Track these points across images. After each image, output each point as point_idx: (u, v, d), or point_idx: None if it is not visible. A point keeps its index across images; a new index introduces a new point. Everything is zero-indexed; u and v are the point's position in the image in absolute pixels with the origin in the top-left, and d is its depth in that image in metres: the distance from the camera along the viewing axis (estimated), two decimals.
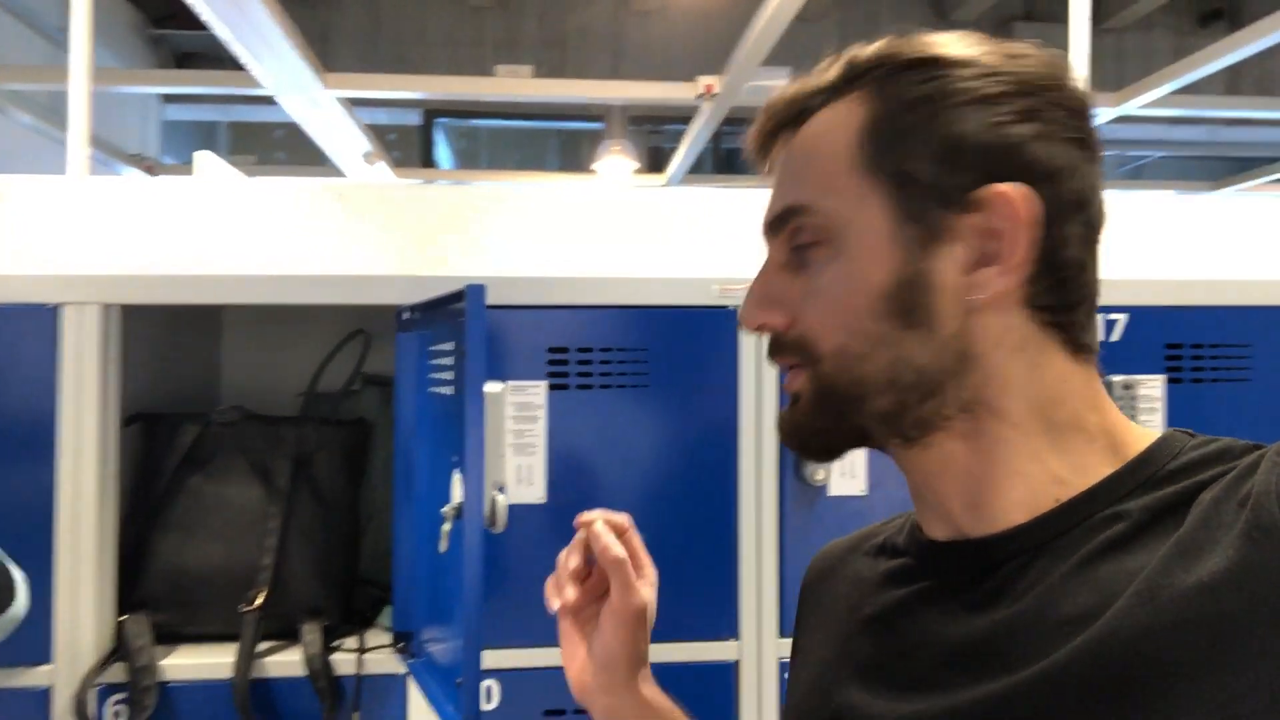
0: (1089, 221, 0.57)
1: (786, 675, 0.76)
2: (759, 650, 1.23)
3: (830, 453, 0.63)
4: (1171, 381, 1.26)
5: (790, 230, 0.59)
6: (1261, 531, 0.46)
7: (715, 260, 1.61)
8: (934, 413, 0.56)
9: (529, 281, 1.26)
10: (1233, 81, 6.28)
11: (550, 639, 1.20)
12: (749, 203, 1.63)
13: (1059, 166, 0.55)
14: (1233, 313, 1.27)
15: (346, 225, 1.72)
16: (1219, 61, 4.39)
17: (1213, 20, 6.51)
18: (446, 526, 1.05)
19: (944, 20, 6.08)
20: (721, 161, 6.97)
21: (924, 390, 0.56)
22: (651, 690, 0.77)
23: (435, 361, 1.17)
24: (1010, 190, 0.54)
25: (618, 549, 0.75)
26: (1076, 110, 0.57)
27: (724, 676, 1.23)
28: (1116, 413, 0.58)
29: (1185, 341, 1.27)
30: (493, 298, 1.24)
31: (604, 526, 0.76)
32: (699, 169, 5.80)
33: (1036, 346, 0.56)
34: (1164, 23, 6.52)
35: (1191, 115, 5.70)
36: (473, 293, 0.98)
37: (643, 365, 1.25)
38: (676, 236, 1.64)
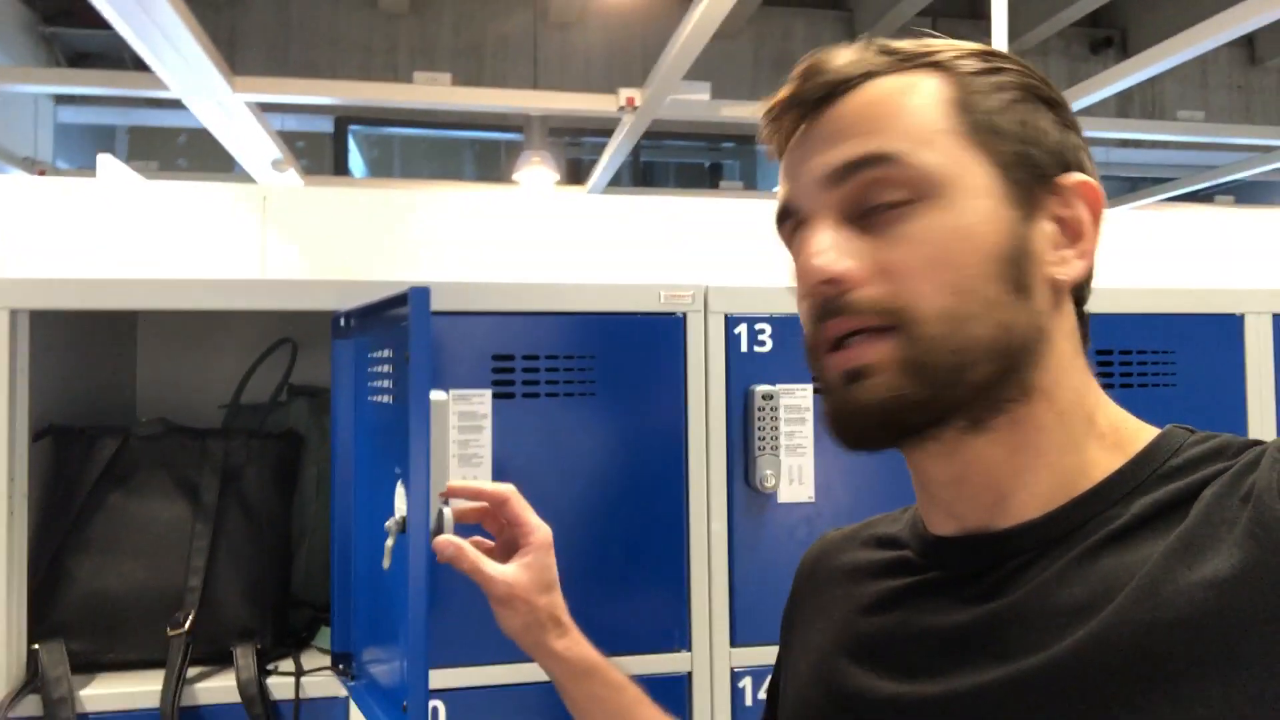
0: None
1: (779, 672, 0.76)
2: (711, 660, 1.22)
3: (916, 432, 0.55)
4: (1103, 387, 1.30)
5: (864, 181, 0.55)
6: (1263, 529, 0.46)
7: (661, 266, 1.61)
8: (1004, 393, 0.54)
9: (471, 287, 1.22)
10: (1123, 105, 6.62)
11: (500, 656, 1.17)
12: (697, 211, 1.64)
13: (1092, 174, 0.59)
14: (1158, 320, 1.32)
15: (271, 229, 1.66)
16: (1110, 87, 4.62)
17: (1104, 47, 6.86)
18: (390, 541, 1.01)
19: (854, 40, 6.25)
20: (639, 174, 7.01)
21: (1015, 362, 0.54)
22: (567, 644, 0.83)
23: (374, 369, 1.12)
24: (1090, 181, 0.57)
25: (447, 552, 0.82)
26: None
27: (676, 688, 1.21)
28: (1116, 408, 0.59)
29: (1115, 348, 1.31)
30: (434, 304, 1.21)
31: (446, 541, 0.83)
32: (617, 181, 5.81)
33: (1076, 339, 0.58)
34: (1058, 49, 6.84)
35: (1086, 137, 5.98)
36: (416, 295, 0.94)
37: (589, 373, 1.23)
38: (621, 243, 1.63)
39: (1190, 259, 1.72)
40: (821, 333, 0.56)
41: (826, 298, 0.55)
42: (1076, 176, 0.57)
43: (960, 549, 0.59)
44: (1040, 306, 0.55)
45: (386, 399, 1.07)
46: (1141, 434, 0.57)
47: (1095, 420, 0.57)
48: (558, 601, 0.84)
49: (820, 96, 0.58)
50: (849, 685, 0.61)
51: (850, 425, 0.55)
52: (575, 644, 0.84)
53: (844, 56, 0.58)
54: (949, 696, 0.54)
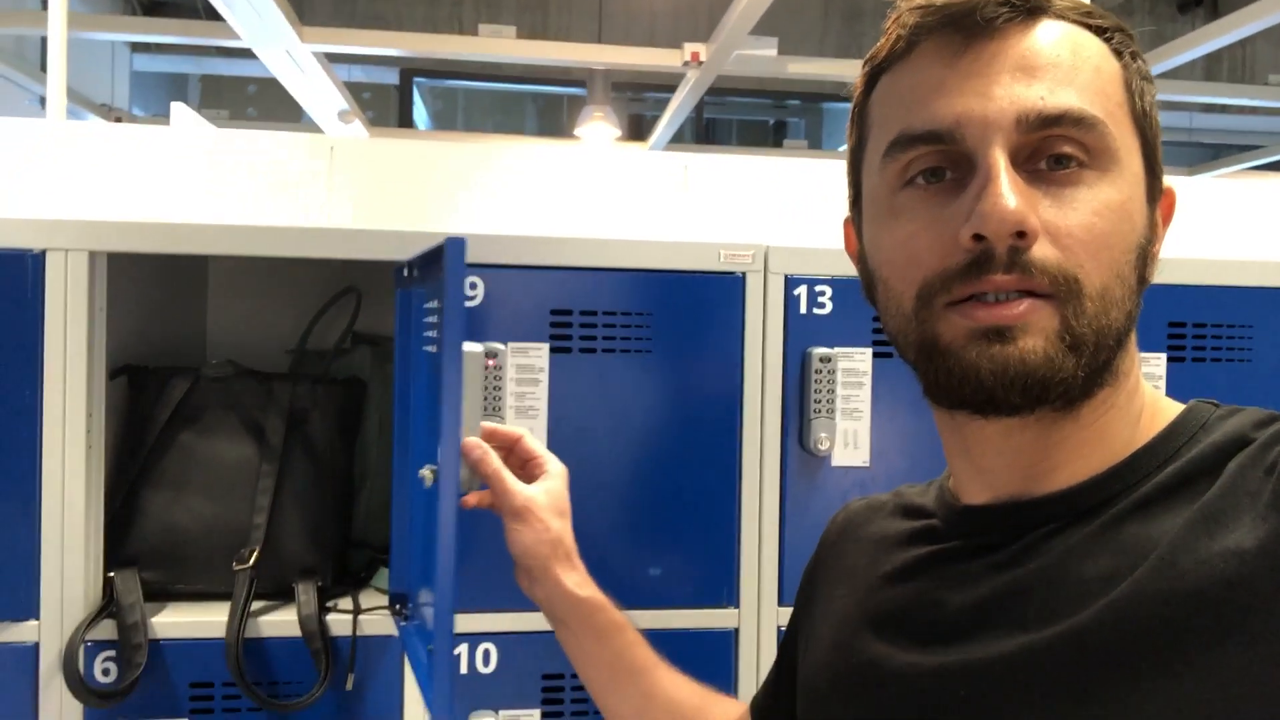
0: None
1: (795, 631, 0.76)
2: (758, 618, 1.23)
3: (1046, 403, 0.53)
4: (1173, 360, 1.27)
5: (1061, 135, 0.51)
6: None
7: (720, 226, 1.59)
8: (1105, 379, 0.54)
9: (531, 241, 1.23)
10: (1210, 68, 6.34)
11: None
12: (759, 170, 1.62)
13: None
14: (1234, 293, 1.28)
15: (338, 179, 1.68)
16: (1197, 49, 4.43)
17: (1192, 7, 6.56)
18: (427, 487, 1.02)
19: None
20: (702, 132, 6.94)
21: (1119, 350, 0.54)
22: (576, 580, 0.85)
23: (427, 320, 1.14)
24: (1174, 191, 0.58)
25: (474, 454, 0.85)
26: None
27: (723, 644, 1.23)
28: (1148, 384, 0.59)
29: (1188, 320, 1.28)
30: (494, 257, 1.22)
31: (474, 443, 0.85)
32: (679, 138, 5.76)
33: None
34: (1143, 8, 6.56)
35: (1170, 100, 5.75)
36: (451, 246, 0.89)
37: (646, 330, 1.23)
38: (683, 201, 1.62)
39: (1274, 230, 1.65)
40: (970, 282, 0.51)
41: (1011, 248, 0.50)
42: (1166, 183, 0.58)
43: (989, 517, 0.59)
44: (1142, 296, 0.55)
45: (434, 349, 1.08)
46: (1169, 408, 0.58)
47: (1141, 394, 0.58)
48: (569, 532, 0.86)
49: (1001, 14, 0.52)
50: (869, 653, 0.61)
51: (984, 383, 0.52)
52: (584, 581, 0.86)
53: None
54: (969, 665, 0.54)
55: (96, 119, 4.79)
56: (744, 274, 1.24)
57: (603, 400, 1.22)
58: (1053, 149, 0.52)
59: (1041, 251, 0.50)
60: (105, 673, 1.14)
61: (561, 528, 0.85)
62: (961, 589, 0.57)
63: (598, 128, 4.81)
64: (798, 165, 1.65)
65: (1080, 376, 0.52)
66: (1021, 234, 0.50)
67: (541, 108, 7.48)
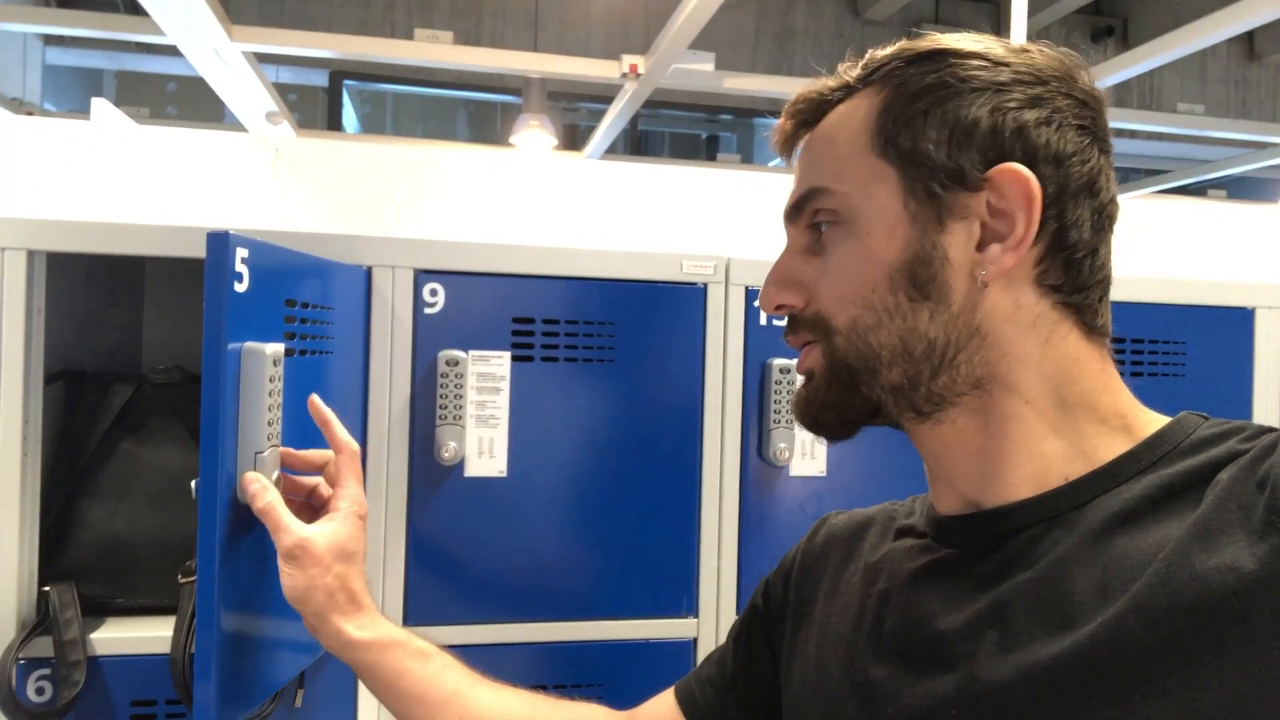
0: (1100, 208, 0.59)
1: (777, 638, 0.75)
2: (717, 628, 1.23)
3: (845, 427, 0.64)
4: None
5: (809, 213, 0.62)
6: None
7: (682, 236, 1.60)
8: (946, 388, 0.58)
9: (494, 249, 1.22)
10: (1120, 95, 6.62)
11: (503, 616, 1.18)
12: (704, 181, 1.63)
13: (1067, 151, 0.57)
14: (1170, 310, 1.33)
15: (281, 181, 1.64)
16: (1110, 78, 4.62)
17: (1104, 36, 6.85)
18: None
19: (856, 17, 6.20)
20: (636, 143, 6.96)
21: (935, 363, 0.58)
22: (361, 622, 0.78)
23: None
24: (1014, 169, 0.56)
25: (250, 488, 0.78)
26: (1084, 101, 0.59)
27: (683, 654, 1.23)
28: (1129, 396, 0.60)
29: (1126, 336, 1.33)
30: (455, 263, 1.20)
31: (252, 478, 0.79)
32: (613, 149, 5.76)
33: (1049, 325, 0.58)
34: (1059, 36, 6.81)
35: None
36: (211, 240, 0.81)
37: (608, 339, 1.23)
38: (627, 211, 1.62)
39: (1187, 251, 1.73)
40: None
41: (787, 317, 0.64)
42: (1001, 167, 0.56)
43: (965, 525, 0.61)
44: (961, 306, 0.57)
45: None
46: (1153, 421, 0.59)
47: (1097, 406, 0.58)
48: (354, 573, 0.79)
49: (791, 136, 0.66)
50: (866, 676, 0.61)
51: (803, 418, 0.65)
52: (372, 621, 0.79)
53: (820, 84, 0.64)
54: (966, 689, 0.54)
55: (7, 114, 4.59)
56: (705, 284, 1.25)
57: (564, 409, 1.21)
58: (816, 221, 0.62)
59: (808, 311, 0.62)
60: (40, 692, 1.08)
61: (343, 572, 0.78)
62: (954, 607, 0.57)
63: (534, 135, 4.78)
64: (745, 178, 1.67)
65: (861, 396, 0.61)
66: (779, 309, 0.64)
67: (473, 114, 7.41)
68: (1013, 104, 0.57)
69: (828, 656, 0.66)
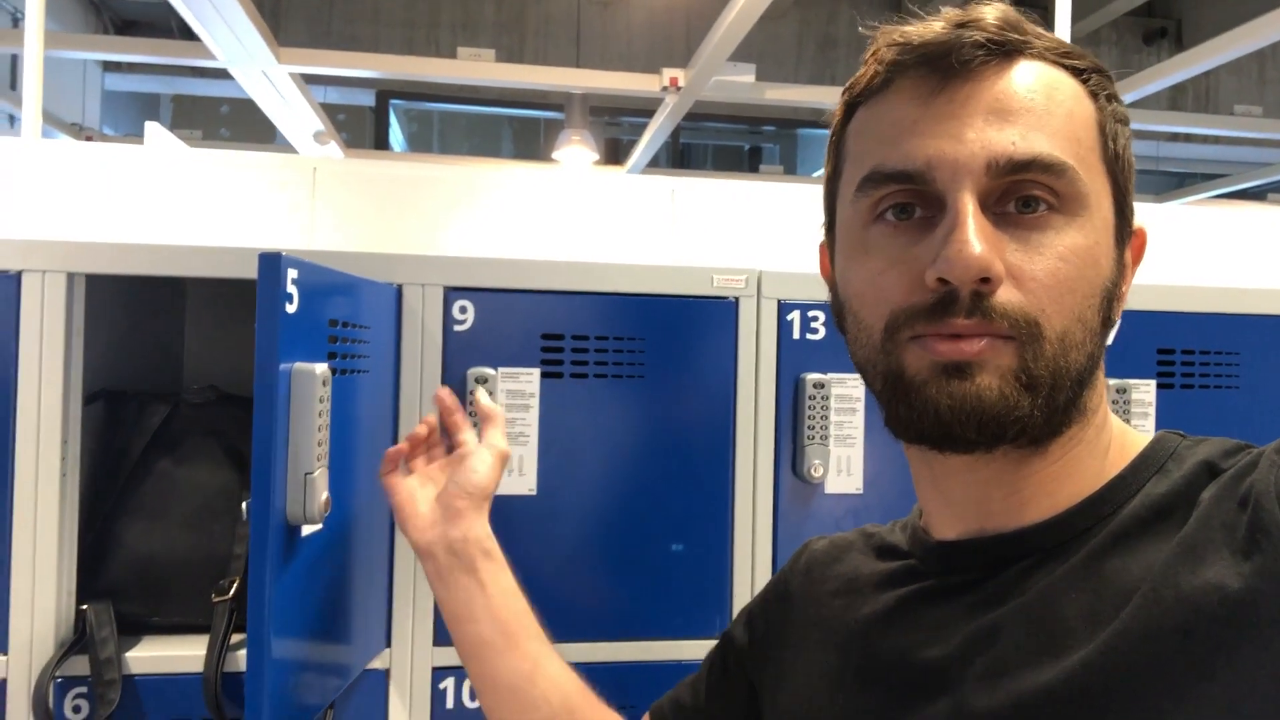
0: None
1: (753, 663, 0.74)
2: None
3: (1001, 441, 0.53)
4: (1162, 387, 1.27)
5: (1030, 180, 0.52)
6: (1263, 533, 0.46)
7: (708, 250, 1.59)
8: (1070, 418, 0.55)
9: (522, 265, 1.21)
10: (1175, 98, 6.47)
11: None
12: (747, 194, 1.61)
13: None
14: (1223, 320, 1.29)
15: (319, 201, 1.66)
16: (1165, 80, 4.52)
17: (1157, 38, 6.71)
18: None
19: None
20: (678, 156, 6.97)
21: (1082, 390, 0.55)
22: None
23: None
24: (1144, 231, 0.58)
25: (487, 403, 0.93)
26: None
27: None
28: (1115, 417, 0.60)
29: (1176, 347, 1.28)
30: (484, 280, 1.20)
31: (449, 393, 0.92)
32: (655, 162, 5.78)
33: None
34: (1110, 39, 6.69)
35: (1137, 129, 5.87)
36: (264, 261, 0.82)
37: (639, 355, 1.21)
38: (670, 225, 1.61)
39: (1245, 258, 1.67)
40: (934, 322, 0.52)
41: (974, 293, 0.51)
42: (1137, 223, 0.58)
43: (963, 552, 0.58)
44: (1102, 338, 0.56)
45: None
46: (1138, 440, 0.58)
47: (1109, 428, 0.58)
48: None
49: (977, 57, 0.52)
50: (855, 706, 0.60)
51: (942, 418, 0.52)
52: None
53: (994, 13, 0.54)
54: (959, 716, 0.53)
55: (68, 138, 4.73)
56: (737, 299, 1.23)
57: (594, 426, 1.20)
58: (1022, 192, 0.52)
59: (1005, 296, 0.51)
60: (77, 710, 1.09)
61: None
62: (944, 634, 0.56)
63: (576, 151, 4.81)
64: (786, 190, 1.65)
65: (1038, 416, 0.52)
66: (985, 279, 0.50)
67: (517, 131, 7.48)
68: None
69: (814, 687, 0.65)
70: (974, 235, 0.50)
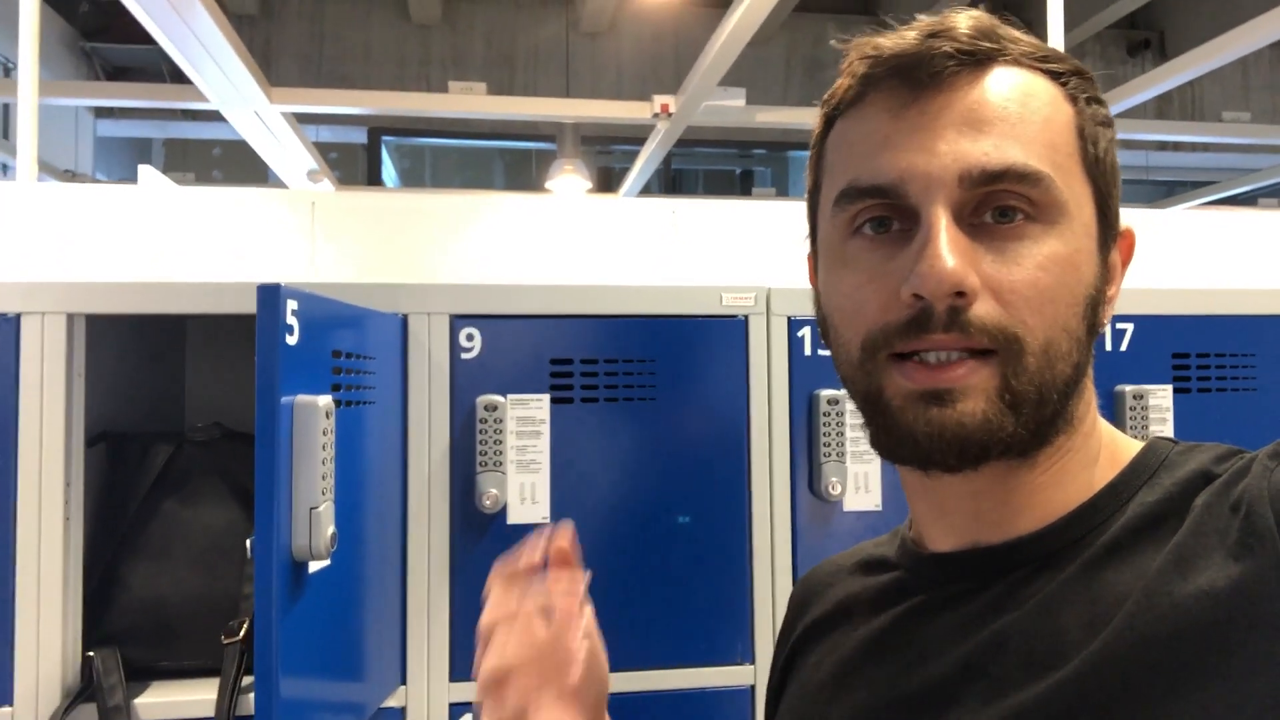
0: None
1: (770, 689, 0.71)
2: None
3: (986, 460, 0.51)
4: (1179, 391, 1.26)
5: (1004, 190, 0.50)
6: (1256, 538, 0.45)
7: (712, 270, 1.58)
8: (1058, 428, 0.53)
9: (528, 290, 1.20)
10: (1161, 108, 6.52)
11: None
12: (748, 214, 1.61)
13: None
14: (1237, 322, 1.27)
15: (319, 235, 1.65)
16: (1151, 90, 4.55)
17: (1141, 49, 6.76)
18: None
19: None
20: (670, 182, 6.99)
21: (1070, 401, 0.53)
22: None
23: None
24: (1132, 232, 0.57)
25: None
26: None
27: (740, 703, 1.18)
28: (1107, 423, 0.59)
29: (1191, 351, 1.27)
30: (490, 307, 1.19)
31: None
32: (647, 189, 5.80)
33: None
34: (1094, 52, 6.75)
35: (1125, 139, 5.90)
36: (262, 293, 0.81)
37: (649, 377, 1.20)
38: (672, 247, 1.60)
39: (1249, 261, 1.67)
40: (910, 339, 0.50)
41: (950, 308, 0.49)
42: (1124, 224, 0.56)
43: (957, 564, 0.57)
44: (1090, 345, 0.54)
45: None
46: (1129, 447, 0.56)
47: (1099, 435, 0.56)
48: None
49: (948, 68, 0.51)
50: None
51: (921, 445, 0.51)
52: None
53: (967, 21, 0.53)
54: None
55: (49, 181, 4.74)
56: (746, 316, 1.22)
57: (607, 450, 1.18)
58: (998, 203, 0.51)
59: (982, 309, 0.49)
60: None
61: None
62: (940, 649, 0.54)
63: (569, 180, 4.82)
64: (786, 209, 1.64)
65: (1023, 433, 0.51)
66: (961, 293, 0.49)
67: (509, 163, 7.51)
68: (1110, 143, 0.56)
69: (810, 710, 0.63)
70: (946, 249, 0.49)
